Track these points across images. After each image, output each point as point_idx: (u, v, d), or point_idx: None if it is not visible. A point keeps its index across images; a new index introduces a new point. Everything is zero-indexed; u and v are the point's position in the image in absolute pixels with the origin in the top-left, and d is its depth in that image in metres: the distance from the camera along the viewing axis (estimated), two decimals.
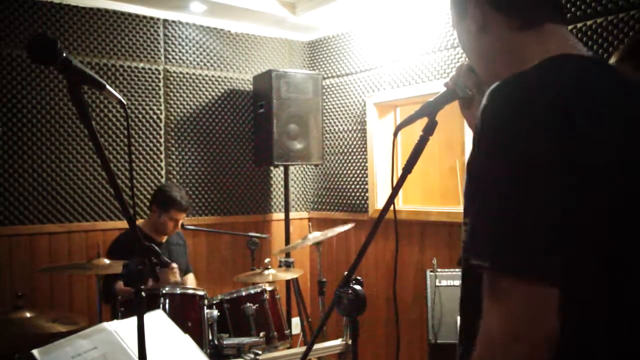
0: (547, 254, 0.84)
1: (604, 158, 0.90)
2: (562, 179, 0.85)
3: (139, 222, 3.66)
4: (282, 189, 4.59)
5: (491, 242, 0.87)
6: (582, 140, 0.87)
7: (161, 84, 4.17)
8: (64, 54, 1.20)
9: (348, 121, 4.57)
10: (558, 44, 1.02)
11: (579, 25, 3.06)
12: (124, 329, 2.09)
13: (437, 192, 4.09)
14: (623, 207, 0.92)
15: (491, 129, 0.90)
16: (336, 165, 4.69)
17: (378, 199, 4.32)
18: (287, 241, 4.34)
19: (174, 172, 4.21)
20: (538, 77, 0.93)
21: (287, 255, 3.79)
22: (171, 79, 4.22)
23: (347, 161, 4.59)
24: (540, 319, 0.84)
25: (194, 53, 4.33)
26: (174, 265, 3.37)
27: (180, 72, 4.26)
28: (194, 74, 4.33)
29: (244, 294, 3.17)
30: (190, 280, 3.75)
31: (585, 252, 0.89)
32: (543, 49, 1.00)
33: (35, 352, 1.93)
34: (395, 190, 1.39)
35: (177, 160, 4.24)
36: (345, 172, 4.61)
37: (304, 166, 4.89)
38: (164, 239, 3.62)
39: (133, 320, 1.63)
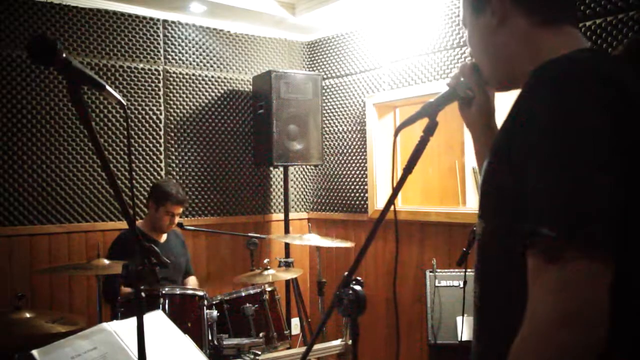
0: (614, 230, 0.83)
1: None
2: (628, 156, 0.85)
3: (138, 222, 3.66)
4: (282, 190, 4.59)
5: (569, 213, 0.84)
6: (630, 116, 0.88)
7: (161, 85, 4.17)
8: (64, 55, 1.20)
9: (348, 122, 4.58)
10: (577, 43, 1.04)
11: (579, 25, 3.06)
12: (123, 329, 2.09)
13: (437, 192, 4.10)
14: None
15: (553, 104, 0.89)
16: (336, 165, 4.69)
17: (377, 200, 4.32)
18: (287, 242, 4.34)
19: (174, 173, 4.21)
20: (586, 56, 0.95)
21: (287, 255, 3.80)
22: (171, 79, 4.22)
23: (347, 162, 4.59)
24: (598, 299, 0.82)
25: (193, 54, 4.33)
26: None
27: (180, 73, 4.26)
28: (193, 74, 4.33)
29: (243, 294, 3.17)
30: (192, 282, 3.75)
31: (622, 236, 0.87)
32: (562, 45, 1.02)
33: (35, 352, 1.93)
34: (395, 191, 1.39)
35: (177, 161, 4.24)
36: (344, 172, 4.61)
37: (304, 167, 4.89)
38: (163, 237, 3.63)
39: (133, 320, 1.63)
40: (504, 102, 1.16)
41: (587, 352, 0.81)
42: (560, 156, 0.86)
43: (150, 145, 4.11)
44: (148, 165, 4.09)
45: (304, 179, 4.96)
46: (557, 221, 0.84)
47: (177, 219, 3.58)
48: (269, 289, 3.25)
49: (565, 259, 0.83)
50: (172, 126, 4.22)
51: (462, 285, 3.01)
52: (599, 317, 0.82)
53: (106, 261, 2.81)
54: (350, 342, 1.69)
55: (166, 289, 2.90)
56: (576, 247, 0.83)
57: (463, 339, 2.98)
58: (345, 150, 4.60)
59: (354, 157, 4.52)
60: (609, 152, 0.85)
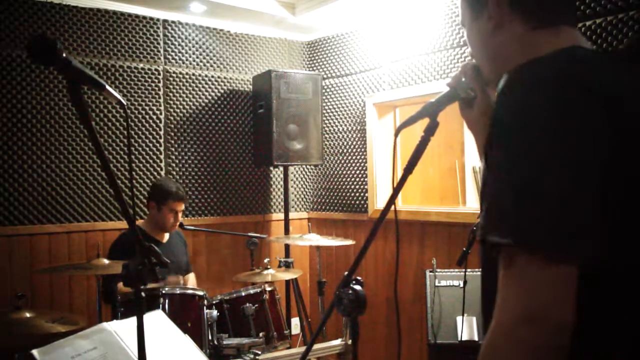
0: (573, 232, 0.83)
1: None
2: (597, 159, 0.85)
3: (139, 222, 3.66)
4: (282, 189, 4.59)
5: (514, 218, 0.85)
6: (614, 118, 0.87)
7: (161, 84, 4.17)
8: (64, 54, 1.20)
9: (348, 121, 4.58)
10: (572, 41, 1.04)
11: (578, 25, 3.06)
12: (123, 329, 2.09)
13: (437, 192, 4.10)
14: None
15: (517, 107, 0.89)
16: (336, 165, 4.69)
17: (377, 199, 4.32)
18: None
19: (174, 173, 4.21)
20: (561, 58, 0.95)
21: (287, 255, 3.80)
22: (171, 79, 4.22)
23: (347, 161, 4.59)
24: (558, 302, 0.82)
25: (193, 53, 4.33)
26: (178, 278, 3.44)
27: (180, 73, 4.26)
28: (193, 74, 4.33)
29: (243, 294, 3.17)
30: (191, 280, 3.76)
31: (616, 236, 0.86)
32: (559, 46, 1.01)
33: (35, 352, 1.93)
34: (396, 191, 1.39)
35: (177, 161, 4.24)
36: (344, 172, 4.61)
37: (304, 166, 4.89)
38: (165, 237, 3.63)
39: (133, 320, 1.63)
40: None
41: (551, 353, 0.82)
42: (520, 166, 0.86)
43: (150, 145, 4.11)
44: (148, 165, 4.09)
45: (304, 179, 4.96)
46: (510, 228, 0.85)
47: (180, 216, 3.59)
48: (269, 288, 3.25)
49: (527, 264, 0.83)
50: (172, 126, 4.22)
51: (462, 285, 3.01)
52: (561, 318, 0.82)
53: (106, 261, 2.81)
54: (350, 342, 1.69)
55: (166, 289, 2.90)
56: (537, 252, 0.83)
57: (463, 339, 2.98)
58: (345, 150, 4.60)
59: (354, 157, 4.52)
60: (577, 164, 0.84)
